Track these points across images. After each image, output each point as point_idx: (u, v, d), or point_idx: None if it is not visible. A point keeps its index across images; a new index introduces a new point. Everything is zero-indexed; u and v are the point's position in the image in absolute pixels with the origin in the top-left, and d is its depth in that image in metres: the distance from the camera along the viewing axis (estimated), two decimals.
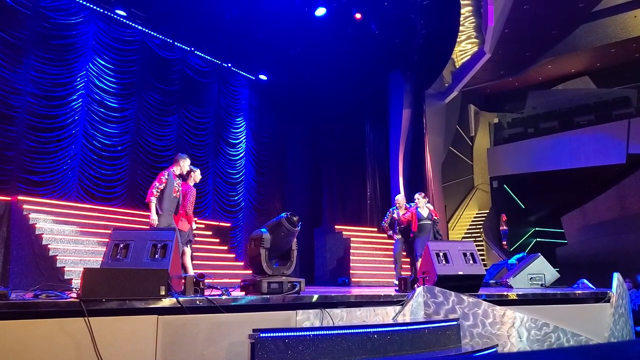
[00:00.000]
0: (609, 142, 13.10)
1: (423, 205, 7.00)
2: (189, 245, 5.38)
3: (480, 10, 11.68)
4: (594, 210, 12.34)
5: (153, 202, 5.10)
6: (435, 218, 7.07)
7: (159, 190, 5.14)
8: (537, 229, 16.48)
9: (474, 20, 12.66)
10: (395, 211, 7.31)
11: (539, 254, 7.16)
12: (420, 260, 6.77)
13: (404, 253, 7.41)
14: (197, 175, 5.65)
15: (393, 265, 7.50)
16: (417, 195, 7.15)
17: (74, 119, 8.54)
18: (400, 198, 7.48)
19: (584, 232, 12.40)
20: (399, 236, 7.17)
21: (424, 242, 6.77)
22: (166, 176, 5.21)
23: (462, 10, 11.77)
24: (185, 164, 5.40)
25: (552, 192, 14.98)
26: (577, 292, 5.21)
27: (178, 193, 5.31)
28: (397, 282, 6.92)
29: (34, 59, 8.05)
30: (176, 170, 5.33)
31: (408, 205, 7.31)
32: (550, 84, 16.05)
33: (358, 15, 10.47)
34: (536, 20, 11.06)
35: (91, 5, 8.91)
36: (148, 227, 5.10)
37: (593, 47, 13.33)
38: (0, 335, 2.65)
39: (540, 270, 6.80)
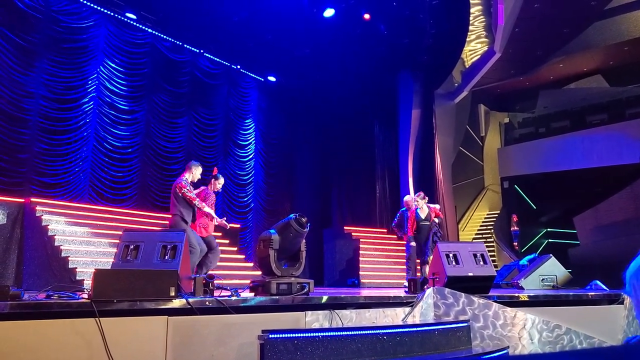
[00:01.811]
0: (623, 141, 12.89)
1: (422, 206, 6.81)
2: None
3: (490, 9, 11.60)
4: (607, 211, 12.13)
5: (205, 205, 5.21)
6: (435, 219, 6.81)
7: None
8: (548, 229, 16.28)
9: (483, 19, 12.56)
10: (405, 213, 7.08)
11: (551, 255, 7.06)
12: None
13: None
14: (218, 183, 5.69)
15: (404, 267, 7.25)
16: (413, 196, 6.98)
17: (86, 122, 8.65)
18: (409, 199, 7.27)
19: (597, 233, 12.20)
20: (413, 243, 6.86)
21: (417, 246, 6.71)
22: (189, 187, 5.17)
23: (472, 10, 11.68)
24: (197, 172, 5.40)
25: (564, 192, 14.78)
26: (589, 293, 5.13)
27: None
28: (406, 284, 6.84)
29: (46, 63, 8.17)
30: (188, 177, 5.33)
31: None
32: (562, 83, 15.83)
33: (367, 16, 10.46)
34: (547, 18, 10.92)
35: (102, 9, 9.02)
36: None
37: (606, 45, 13.12)
38: (13, 334, 2.69)
39: (552, 272, 6.71)
